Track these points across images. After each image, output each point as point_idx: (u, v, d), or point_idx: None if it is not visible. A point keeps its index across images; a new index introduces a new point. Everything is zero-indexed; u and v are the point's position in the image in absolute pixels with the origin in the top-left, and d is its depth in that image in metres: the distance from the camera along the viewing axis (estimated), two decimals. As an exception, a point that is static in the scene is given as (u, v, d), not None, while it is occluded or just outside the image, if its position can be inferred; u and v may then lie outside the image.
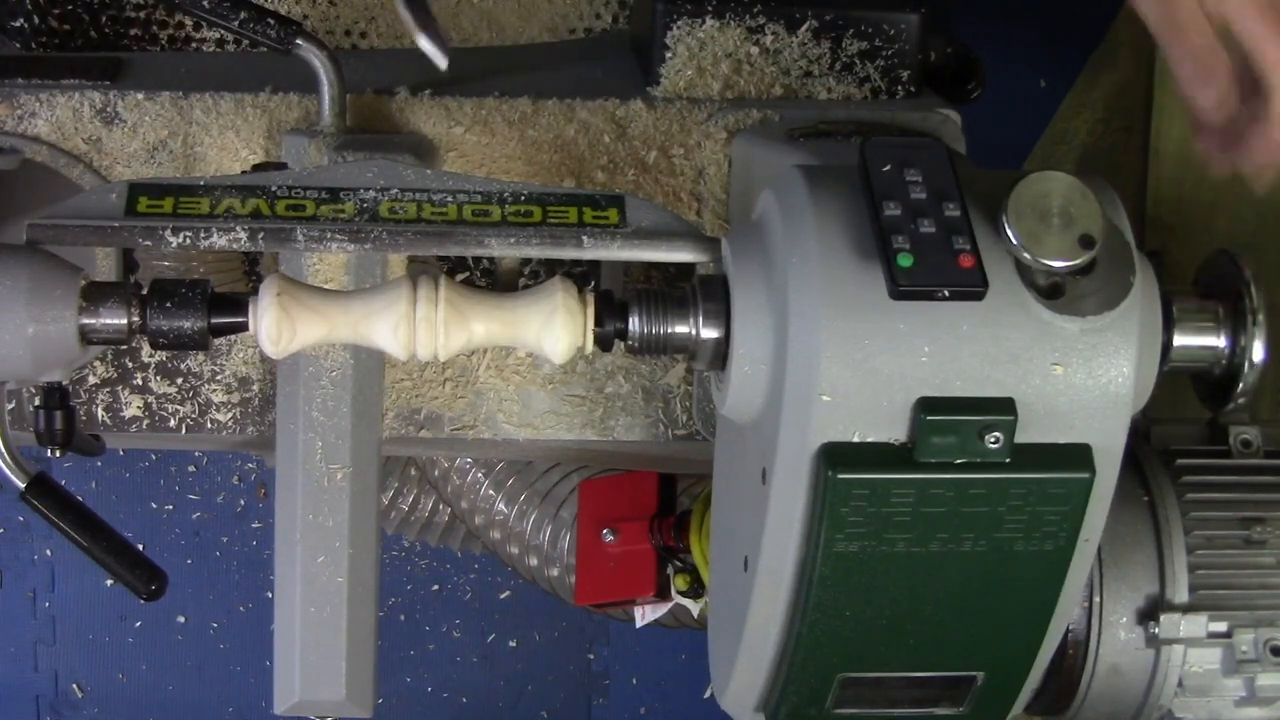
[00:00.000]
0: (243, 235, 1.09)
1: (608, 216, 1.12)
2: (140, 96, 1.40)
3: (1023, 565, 1.05)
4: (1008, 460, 1.01)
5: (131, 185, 1.10)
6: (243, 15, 1.31)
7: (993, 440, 1.00)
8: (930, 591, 1.06)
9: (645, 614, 1.81)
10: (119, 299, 1.08)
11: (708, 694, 2.65)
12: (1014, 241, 0.98)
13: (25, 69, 1.42)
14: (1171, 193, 1.79)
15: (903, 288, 0.98)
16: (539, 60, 1.55)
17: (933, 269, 0.98)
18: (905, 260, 0.98)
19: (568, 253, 1.11)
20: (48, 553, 2.65)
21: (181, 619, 2.68)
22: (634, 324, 1.08)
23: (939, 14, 1.44)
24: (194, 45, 1.56)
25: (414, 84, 1.42)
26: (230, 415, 1.46)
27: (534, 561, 1.89)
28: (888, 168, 1.03)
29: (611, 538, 1.76)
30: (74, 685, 2.70)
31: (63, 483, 1.29)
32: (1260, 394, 1.20)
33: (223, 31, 1.52)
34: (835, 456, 1.00)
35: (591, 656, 2.74)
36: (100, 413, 1.45)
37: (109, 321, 1.08)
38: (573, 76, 1.47)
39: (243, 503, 2.67)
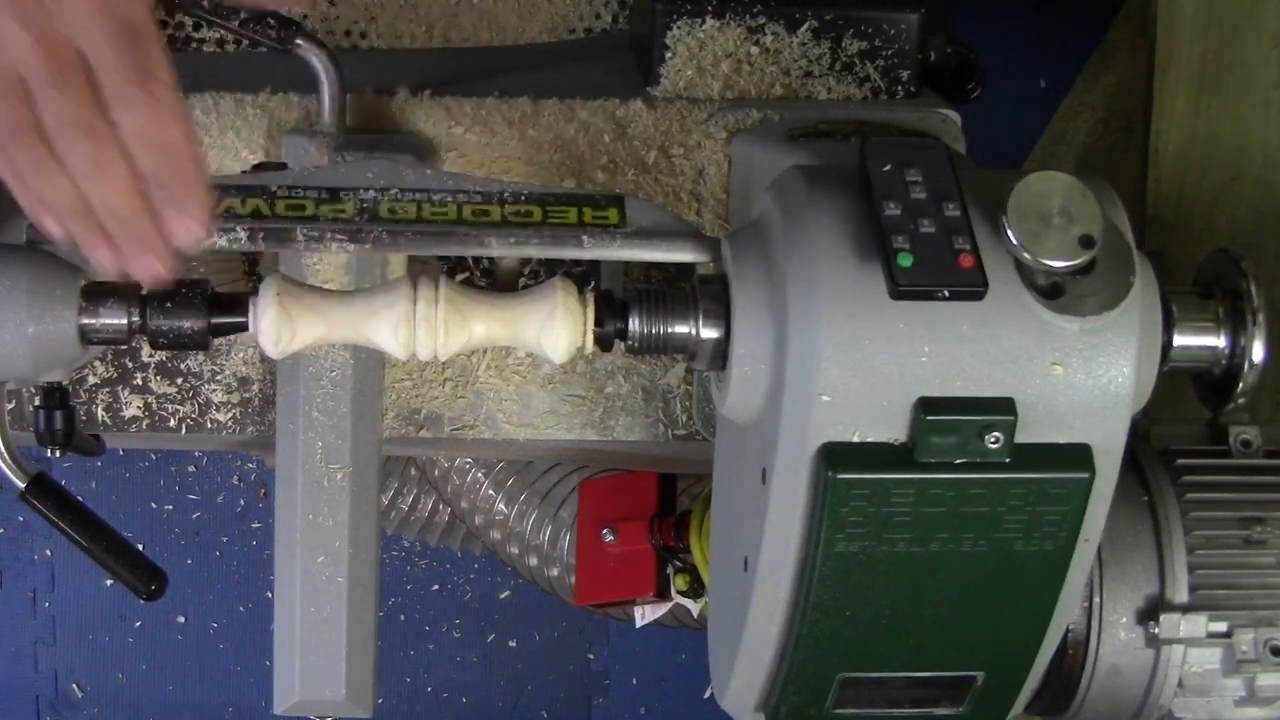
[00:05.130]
0: (243, 235, 1.09)
1: (608, 216, 1.12)
2: (140, 96, 1.40)
3: (1023, 565, 1.05)
4: (1008, 460, 1.01)
5: (131, 185, 1.10)
6: (243, 15, 1.31)
7: (993, 440, 1.00)
8: (930, 591, 1.06)
9: (645, 614, 1.81)
10: (119, 299, 1.08)
11: (708, 694, 2.65)
12: (1014, 241, 0.98)
13: (25, 69, 1.42)
14: (1171, 193, 1.79)
15: (903, 288, 0.98)
16: (539, 60, 1.55)
17: (933, 269, 0.98)
18: (905, 260, 0.98)
19: (568, 253, 1.11)
20: (48, 553, 2.65)
21: (181, 619, 2.69)
22: (634, 324, 1.08)
23: (939, 14, 1.44)
24: (194, 45, 1.56)
25: (414, 84, 1.42)
26: (230, 415, 1.45)
27: (534, 561, 1.89)
28: (888, 168, 1.03)
29: (611, 538, 1.76)
30: (74, 685, 2.70)
31: (63, 483, 1.29)
32: (1260, 394, 1.20)
33: (223, 31, 1.52)
34: (835, 456, 1.00)
35: (591, 656, 2.74)
36: (100, 413, 1.45)
37: (109, 321, 1.08)
38: (573, 76, 1.47)
39: (243, 503, 2.67)
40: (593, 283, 1.37)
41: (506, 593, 2.70)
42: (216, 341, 1.18)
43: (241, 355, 1.45)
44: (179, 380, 1.45)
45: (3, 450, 1.24)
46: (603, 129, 1.41)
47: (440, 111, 1.40)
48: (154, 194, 0.87)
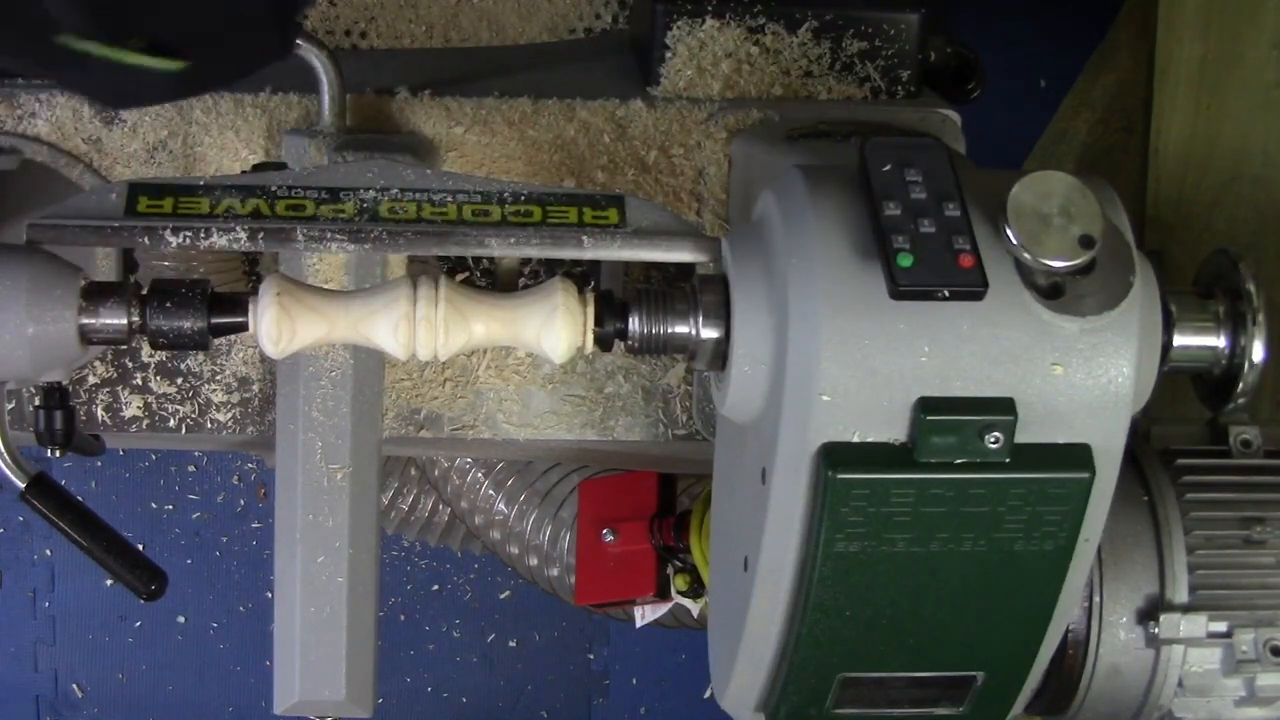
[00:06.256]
0: (243, 235, 1.09)
1: (608, 216, 1.12)
2: (140, 96, 1.40)
3: (1023, 565, 1.05)
4: (1008, 460, 1.01)
5: (131, 185, 1.10)
6: (243, 15, 1.31)
7: (993, 440, 1.00)
8: (930, 591, 1.06)
9: (645, 614, 1.81)
10: (119, 299, 1.08)
11: (708, 694, 2.65)
12: (1014, 241, 0.98)
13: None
14: (1171, 193, 1.79)
15: (903, 288, 0.98)
16: (539, 60, 1.55)
17: (933, 269, 0.98)
18: (905, 260, 0.98)
19: (568, 253, 1.11)
20: (48, 553, 2.65)
21: (181, 619, 2.69)
22: (634, 324, 1.08)
23: (939, 14, 1.44)
24: (194, 45, 1.56)
25: (414, 84, 1.42)
26: (230, 415, 1.46)
27: (534, 561, 1.89)
28: (888, 168, 1.03)
29: (611, 538, 1.76)
30: (74, 685, 2.70)
31: (63, 483, 1.29)
32: (1260, 394, 1.20)
33: (223, 31, 1.52)
34: (835, 456, 1.00)
35: (591, 656, 2.74)
36: (100, 413, 1.45)
37: (109, 321, 1.08)
38: (573, 76, 1.47)
39: (243, 503, 2.67)
40: (593, 283, 1.37)
41: (506, 593, 2.70)
42: (216, 341, 1.18)
43: (241, 355, 1.45)
44: (179, 380, 1.45)
45: (3, 450, 1.24)
46: (603, 129, 1.41)
47: (440, 111, 1.40)
48: None
